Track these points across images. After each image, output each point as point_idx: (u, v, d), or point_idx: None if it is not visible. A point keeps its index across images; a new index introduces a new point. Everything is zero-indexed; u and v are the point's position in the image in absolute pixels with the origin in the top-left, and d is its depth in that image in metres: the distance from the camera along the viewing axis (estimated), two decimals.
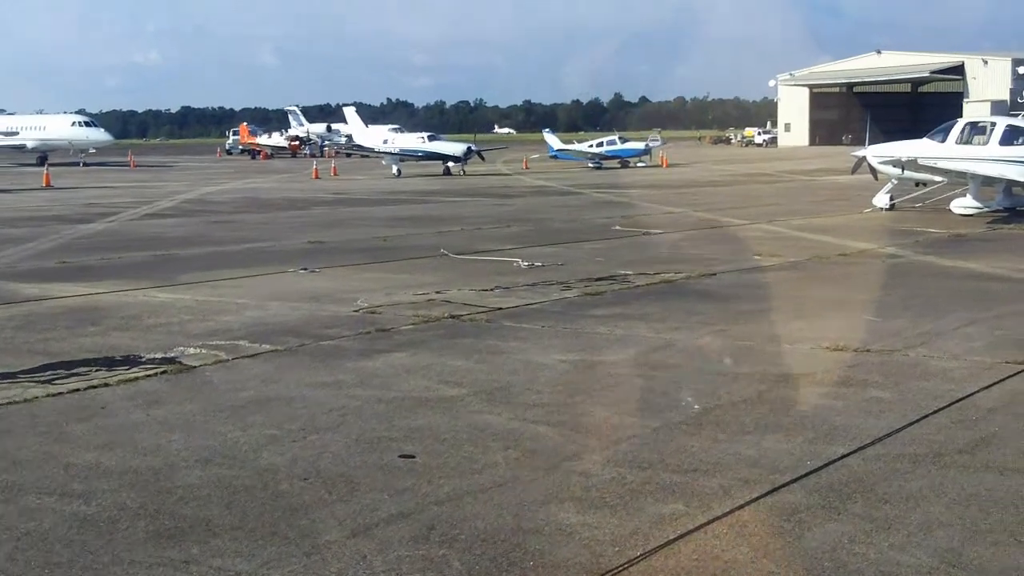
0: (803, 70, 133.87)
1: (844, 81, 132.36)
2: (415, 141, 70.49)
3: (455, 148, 68.94)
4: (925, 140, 31.87)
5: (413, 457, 8.45)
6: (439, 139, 71.59)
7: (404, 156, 68.73)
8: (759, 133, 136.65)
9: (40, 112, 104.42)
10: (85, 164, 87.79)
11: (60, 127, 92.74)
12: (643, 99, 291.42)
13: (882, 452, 8.46)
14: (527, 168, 73.52)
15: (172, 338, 13.23)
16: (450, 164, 66.29)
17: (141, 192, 47.48)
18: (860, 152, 33.93)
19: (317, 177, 61.37)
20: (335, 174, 65.44)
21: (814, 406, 9.84)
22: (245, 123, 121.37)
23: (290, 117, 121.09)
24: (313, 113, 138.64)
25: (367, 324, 14.07)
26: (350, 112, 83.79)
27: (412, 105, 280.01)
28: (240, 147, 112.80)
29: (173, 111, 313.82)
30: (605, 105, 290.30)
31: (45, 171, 54.66)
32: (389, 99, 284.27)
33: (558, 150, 79.08)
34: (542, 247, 23.49)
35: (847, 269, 19.70)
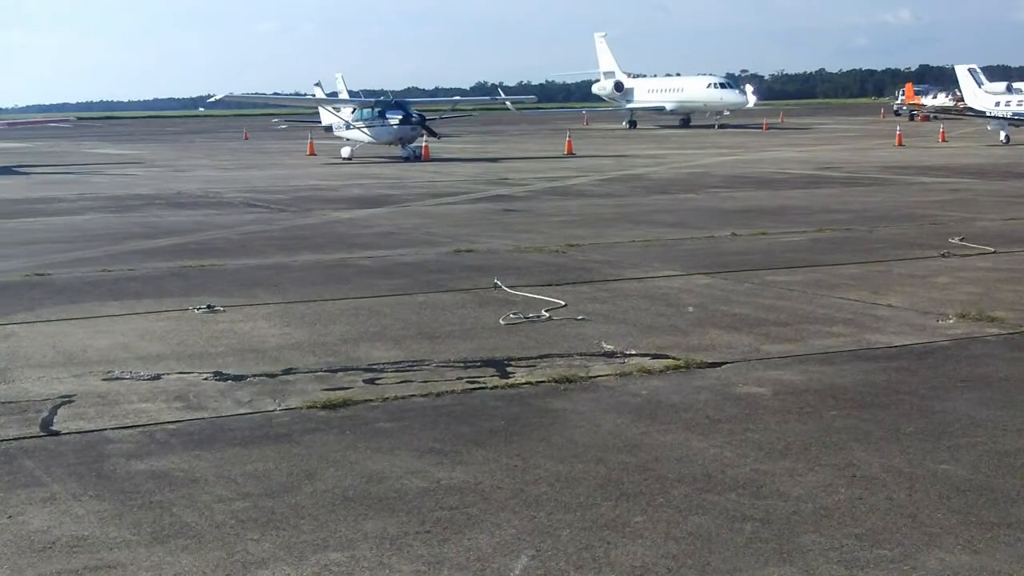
0: None
1: None
2: None
3: None
4: None
5: None
6: None
7: (1017, 120, 57.55)
8: None
9: (676, 74, 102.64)
10: (720, 127, 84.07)
11: (696, 89, 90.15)
12: None
13: None
14: None
15: None
16: None
17: (574, 169, 42.08)
18: None
19: (901, 144, 52.67)
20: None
21: None
22: (911, 82, 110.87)
23: (969, 76, 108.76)
24: (994, 72, 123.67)
25: None
26: (961, 71, 72.36)
27: None
28: (905, 108, 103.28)
29: (912, 69, 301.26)
30: None
31: (568, 138, 51.15)
32: None
33: None
34: (712, 274, 15.40)
35: (972, 370, 9.89)
